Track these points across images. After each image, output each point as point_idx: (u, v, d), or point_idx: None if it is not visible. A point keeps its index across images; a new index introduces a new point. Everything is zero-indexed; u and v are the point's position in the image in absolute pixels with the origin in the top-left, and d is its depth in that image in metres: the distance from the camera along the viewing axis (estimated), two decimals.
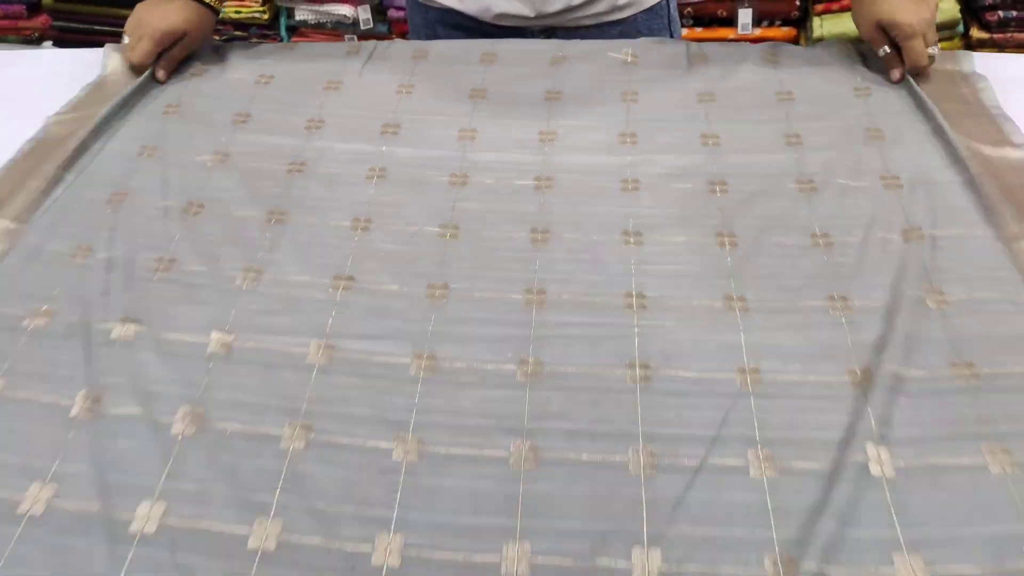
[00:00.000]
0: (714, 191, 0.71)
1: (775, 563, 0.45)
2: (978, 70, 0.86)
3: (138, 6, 0.86)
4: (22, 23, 1.89)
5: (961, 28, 1.69)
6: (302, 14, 1.85)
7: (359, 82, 0.85)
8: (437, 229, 0.68)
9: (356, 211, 0.70)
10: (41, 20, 1.89)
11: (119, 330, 0.58)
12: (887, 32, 0.83)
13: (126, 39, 0.87)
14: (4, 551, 0.46)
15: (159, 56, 0.86)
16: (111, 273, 0.64)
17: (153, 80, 0.85)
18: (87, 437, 0.52)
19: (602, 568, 0.46)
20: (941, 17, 1.66)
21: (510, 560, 0.46)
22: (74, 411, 0.53)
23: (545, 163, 0.75)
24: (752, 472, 0.50)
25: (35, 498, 0.49)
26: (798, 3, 1.73)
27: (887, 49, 0.83)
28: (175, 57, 0.86)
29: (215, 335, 0.58)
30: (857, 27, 0.86)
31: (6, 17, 1.89)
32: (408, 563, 0.46)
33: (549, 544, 0.47)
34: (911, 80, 0.82)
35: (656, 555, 0.46)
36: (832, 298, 0.61)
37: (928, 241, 0.64)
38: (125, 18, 0.88)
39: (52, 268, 0.64)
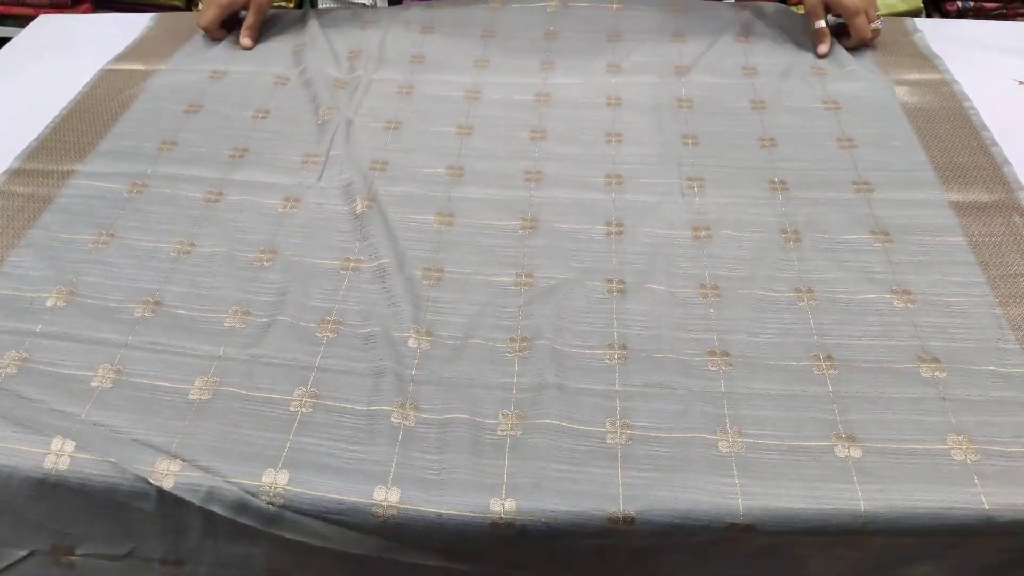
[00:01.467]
0: (682, 107, 0.88)
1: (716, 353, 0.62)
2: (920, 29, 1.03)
3: None
4: (67, 11, 2.06)
5: (924, 16, 1.86)
6: (325, 2, 2.01)
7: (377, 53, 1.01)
8: (455, 129, 0.86)
9: (389, 115, 0.88)
10: (85, 8, 2.06)
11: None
12: (830, 9, 0.93)
13: (200, 5, 1.03)
14: None
15: (231, 23, 1.02)
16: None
17: (241, 47, 1.01)
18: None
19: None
20: (905, 6, 1.82)
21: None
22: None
23: (543, 85, 0.92)
24: (701, 294, 0.67)
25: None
26: None
27: (822, 23, 0.93)
28: (253, 25, 1.01)
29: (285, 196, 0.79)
30: (803, 1, 0.97)
31: (52, 5, 2.06)
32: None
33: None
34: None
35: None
36: (761, 138, 0.82)
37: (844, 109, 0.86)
38: (163, 4, 1.05)
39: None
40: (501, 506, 0.53)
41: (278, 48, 1.02)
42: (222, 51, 1.01)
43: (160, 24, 1.10)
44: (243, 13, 1.03)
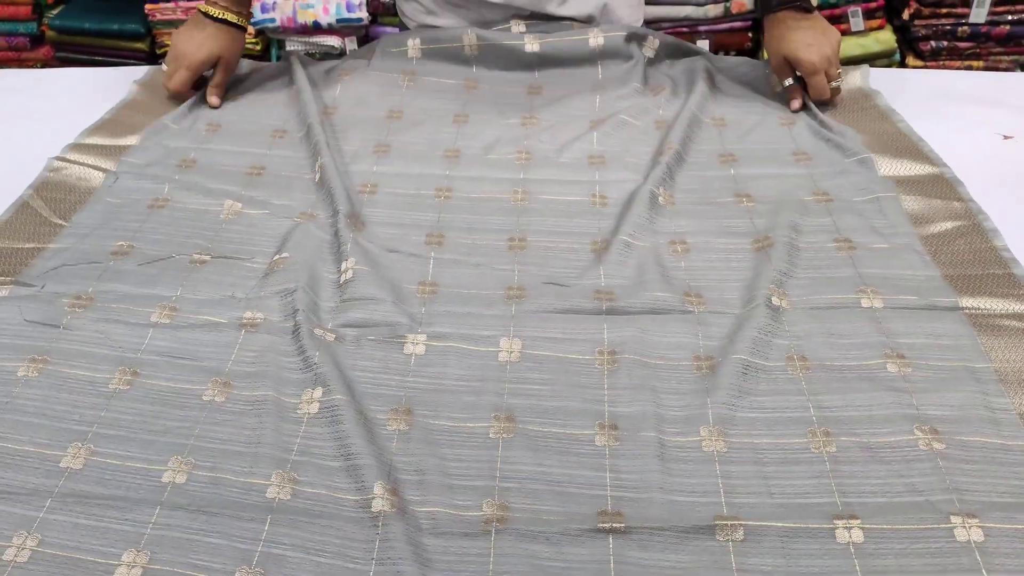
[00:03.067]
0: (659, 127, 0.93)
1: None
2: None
3: (174, 36, 0.98)
4: (25, 54, 2.00)
5: (898, 57, 1.85)
6: (292, 45, 1.97)
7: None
8: (442, 153, 0.90)
9: (365, 179, 0.87)
10: (44, 52, 2.00)
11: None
12: (792, 67, 0.94)
13: (164, 67, 0.99)
14: None
15: (200, 80, 0.99)
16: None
17: (207, 105, 0.97)
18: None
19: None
20: (879, 47, 1.82)
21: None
22: None
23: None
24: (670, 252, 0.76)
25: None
26: (750, 35, 1.89)
27: (790, 81, 0.94)
28: (221, 83, 0.98)
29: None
30: (769, 58, 0.98)
31: (10, 49, 1.99)
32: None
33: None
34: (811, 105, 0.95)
35: None
36: (725, 156, 0.88)
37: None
38: (125, 49, 1.02)
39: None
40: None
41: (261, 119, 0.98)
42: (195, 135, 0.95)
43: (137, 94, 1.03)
44: (208, 72, 1.00)
